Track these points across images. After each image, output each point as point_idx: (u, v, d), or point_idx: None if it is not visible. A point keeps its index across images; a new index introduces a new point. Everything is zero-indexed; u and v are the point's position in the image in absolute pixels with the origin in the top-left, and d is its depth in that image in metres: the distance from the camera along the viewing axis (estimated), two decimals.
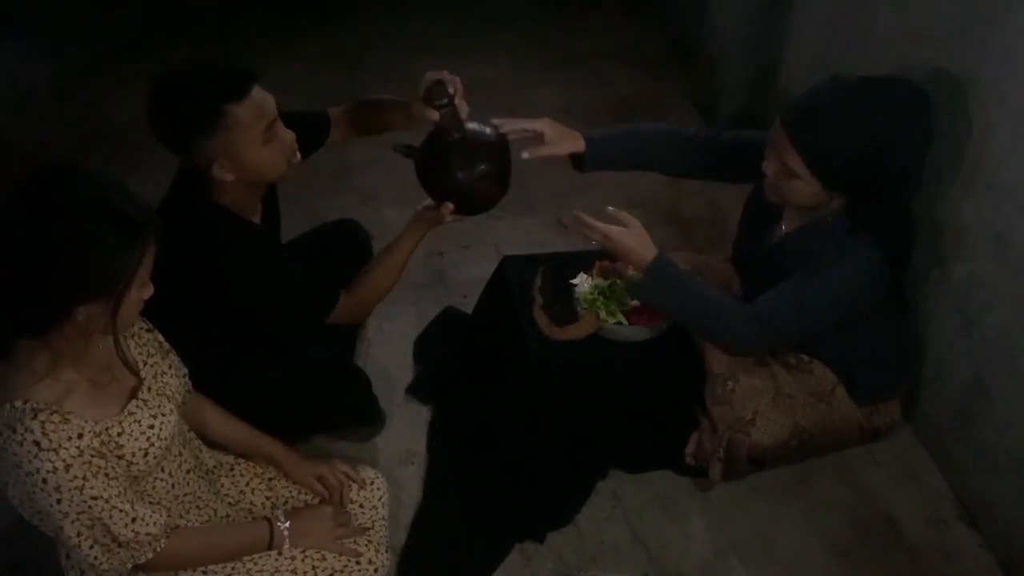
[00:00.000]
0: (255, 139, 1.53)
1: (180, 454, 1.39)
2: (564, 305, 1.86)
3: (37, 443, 1.12)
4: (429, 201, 1.73)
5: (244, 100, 1.50)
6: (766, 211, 1.76)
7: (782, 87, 2.78)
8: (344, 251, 2.17)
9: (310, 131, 1.80)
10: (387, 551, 1.56)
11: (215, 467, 1.55)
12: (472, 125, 1.65)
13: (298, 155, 1.64)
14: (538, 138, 1.76)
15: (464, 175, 1.62)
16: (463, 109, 1.64)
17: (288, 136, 1.60)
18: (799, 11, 2.61)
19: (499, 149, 1.67)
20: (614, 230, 1.61)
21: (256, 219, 1.73)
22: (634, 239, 1.62)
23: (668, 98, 3.49)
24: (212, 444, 1.58)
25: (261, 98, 1.53)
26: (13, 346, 1.16)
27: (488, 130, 1.67)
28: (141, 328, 1.38)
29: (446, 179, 1.63)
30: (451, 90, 1.61)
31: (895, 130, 1.48)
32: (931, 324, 1.95)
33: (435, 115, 1.61)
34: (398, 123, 1.82)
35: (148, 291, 1.21)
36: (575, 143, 1.80)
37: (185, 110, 1.49)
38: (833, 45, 2.33)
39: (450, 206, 1.67)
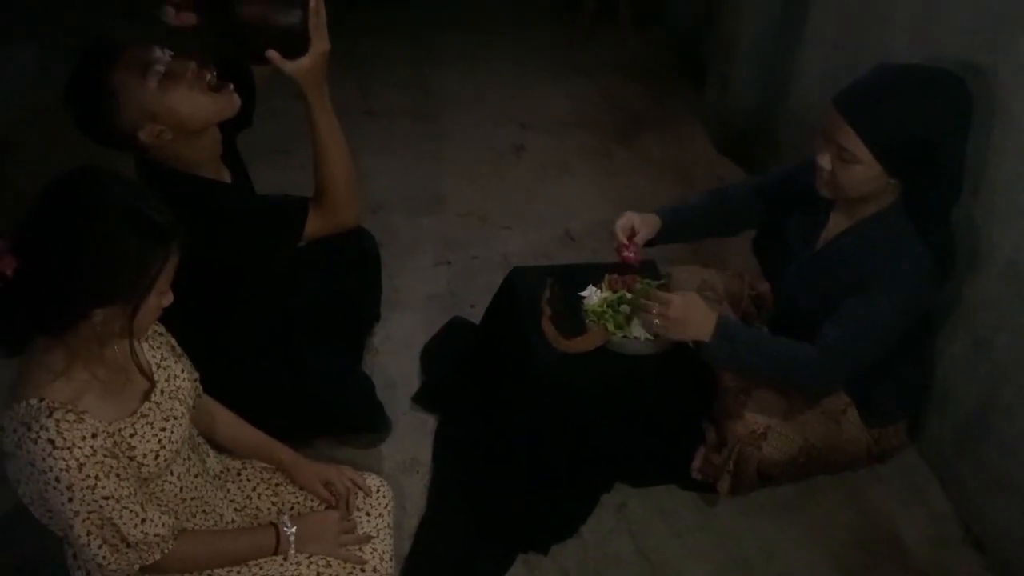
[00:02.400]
0: (152, 89, 1.46)
1: (189, 458, 1.40)
2: (572, 317, 1.86)
3: (51, 441, 1.12)
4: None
5: (118, 61, 1.45)
6: (809, 216, 1.76)
7: (792, 107, 2.79)
8: (351, 259, 2.18)
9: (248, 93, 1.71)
10: (391, 560, 1.56)
11: (222, 472, 1.55)
12: None
13: (219, 81, 1.54)
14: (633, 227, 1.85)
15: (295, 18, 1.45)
16: None
17: (191, 67, 1.50)
18: (810, 31, 2.63)
19: None
20: (673, 299, 1.64)
21: (224, 177, 1.69)
22: (689, 306, 1.64)
23: (677, 114, 3.50)
24: (220, 448, 1.58)
25: (134, 55, 1.47)
26: (30, 343, 1.17)
27: None
28: (154, 331, 1.39)
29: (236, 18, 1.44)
30: None
31: (947, 110, 1.50)
32: (939, 345, 1.95)
33: None
34: None
35: (168, 299, 1.23)
36: (656, 223, 1.87)
37: (79, 87, 1.46)
38: (844, 64, 2.34)
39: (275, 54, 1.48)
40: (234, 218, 1.62)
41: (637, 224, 1.83)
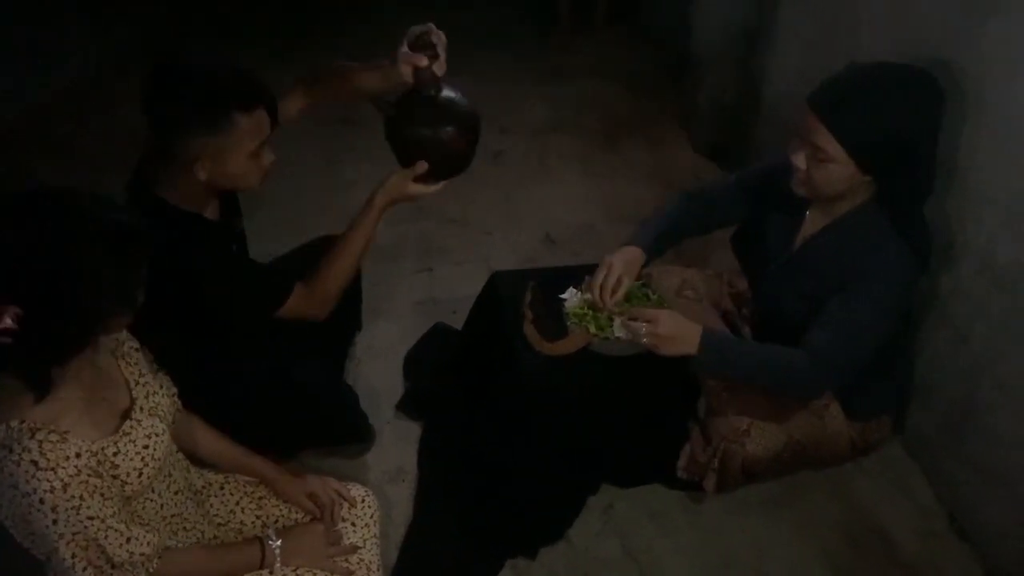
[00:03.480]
0: (246, 152, 1.52)
1: (170, 475, 1.38)
2: (554, 320, 1.86)
3: (35, 463, 1.11)
4: (397, 170, 1.66)
5: (251, 112, 1.49)
6: (787, 215, 1.77)
7: (767, 104, 2.81)
8: None
9: None
10: (379, 569, 1.55)
11: (203, 487, 1.54)
12: (448, 89, 1.65)
13: (268, 174, 1.62)
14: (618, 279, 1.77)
15: (432, 131, 1.60)
16: (442, 69, 1.63)
17: (270, 158, 1.60)
18: (784, 32, 2.65)
19: (471, 115, 1.67)
20: (660, 315, 1.63)
21: (209, 213, 1.68)
22: (674, 323, 1.64)
23: (657, 116, 3.52)
24: (202, 464, 1.56)
25: (264, 115, 1.53)
26: (53, 379, 1.16)
27: (462, 95, 1.67)
28: (130, 347, 1.37)
29: (414, 133, 1.61)
30: (435, 40, 1.60)
31: (919, 108, 1.51)
32: (920, 337, 1.97)
33: (418, 63, 1.58)
34: (372, 84, 1.72)
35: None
36: (639, 259, 1.81)
37: (192, 99, 1.46)
38: (818, 63, 2.34)
39: (423, 165, 1.62)
40: (217, 267, 1.62)
41: (623, 275, 1.76)
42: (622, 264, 1.77)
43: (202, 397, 1.56)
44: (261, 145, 1.55)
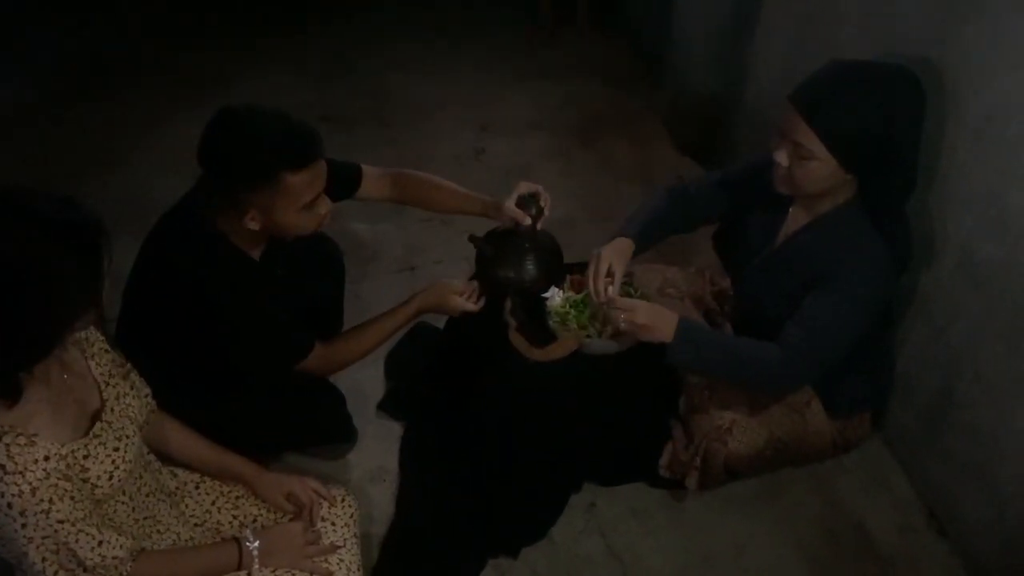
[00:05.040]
0: (297, 206, 1.52)
1: (140, 476, 1.37)
2: (537, 324, 1.85)
3: (2, 466, 1.09)
4: (447, 283, 1.83)
5: (302, 170, 1.49)
6: (769, 212, 1.77)
7: (749, 102, 2.81)
8: (315, 264, 2.15)
9: (337, 184, 1.76)
10: (359, 570, 1.54)
11: (177, 489, 1.52)
12: (542, 235, 1.86)
13: (327, 220, 1.64)
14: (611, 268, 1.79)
15: (517, 275, 1.83)
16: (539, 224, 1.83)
17: (325, 207, 1.60)
18: (765, 27, 2.65)
19: (559, 258, 1.91)
20: (637, 305, 1.66)
21: (255, 253, 1.69)
22: (653, 311, 1.66)
23: (637, 113, 3.51)
24: (176, 465, 1.54)
25: (318, 172, 1.53)
26: (22, 386, 1.14)
27: (550, 238, 1.91)
28: (100, 348, 1.35)
29: (504, 275, 1.83)
30: (543, 203, 1.81)
31: (901, 107, 1.52)
32: (899, 333, 1.98)
33: (521, 221, 1.79)
34: (468, 211, 1.93)
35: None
36: (629, 248, 1.84)
37: (241, 159, 1.47)
38: (799, 60, 2.36)
39: (474, 288, 1.82)
40: (245, 315, 1.63)
41: (614, 264, 1.77)
42: (612, 253, 1.78)
43: (183, 396, 1.54)
44: (315, 199, 1.55)
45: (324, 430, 2.07)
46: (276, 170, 1.47)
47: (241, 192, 1.49)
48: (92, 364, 1.31)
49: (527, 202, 1.80)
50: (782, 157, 1.59)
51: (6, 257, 1.05)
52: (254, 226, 1.54)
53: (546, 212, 1.81)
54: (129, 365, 1.41)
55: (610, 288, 1.73)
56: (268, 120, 1.50)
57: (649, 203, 1.94)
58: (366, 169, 1.93)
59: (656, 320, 1.65)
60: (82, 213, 1.12)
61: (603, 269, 1.75)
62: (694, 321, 1.70)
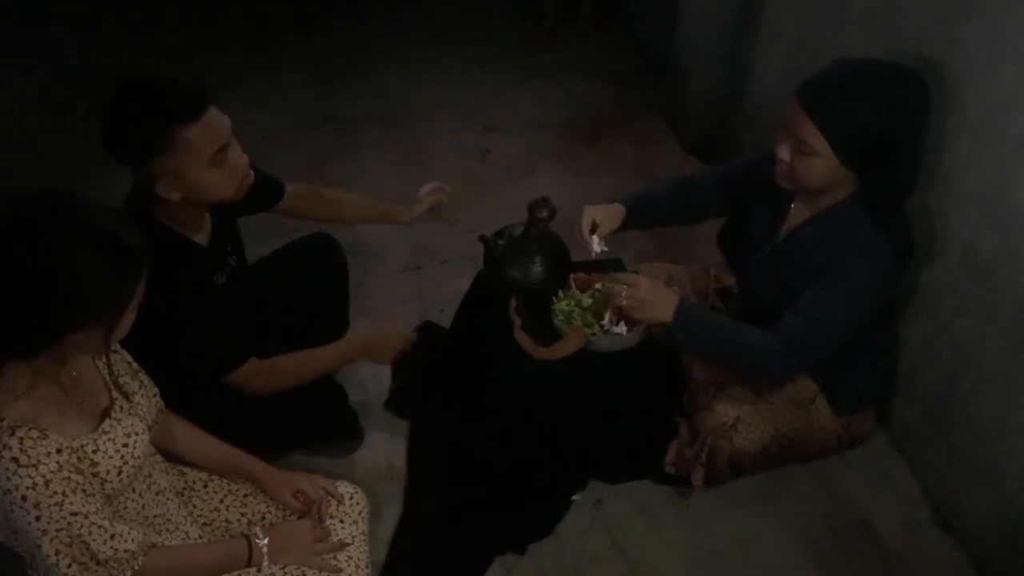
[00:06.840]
0: (204, 162, 1.50)
1: (149, 475, 1.38)
2: (542, 323, 1.86)
3: (15, 459, 1.10)
4: (377, 330, 1.96)
5: (195, 122, 1.47)
6: (772, 207, 1.78)
7: (753, 102, 2.82)
8: (318, 265, 2.17)
9: (260, 192, 1.78)
10: (367, 567, 1.55)
11: (185, 488, 1.53)
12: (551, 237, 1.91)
13: (251, 176, 1.61)
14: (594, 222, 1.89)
15: (523, 275, 1.87)
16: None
17: (241, 160, 1.57)
18: (768, 27, 2.66)
19: (567, 260, 1.94)
20: (640, 280, 1.69)
21: (200, 237, 1.68)
22: (654, 289, 1.68)
23: (641, 114, 3.52)
24: (185, 464, 1.56)
25: (214, 120, 1.50)
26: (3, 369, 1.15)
27: (558, 244, 1.94)
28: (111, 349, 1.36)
29: (511, 275, 1.87)
30: (554, 205, 1.85)
31: (905, 104, 1.52)
32: (903, 331, 1.98)
33: (538, 215, 1.85)
34: (375, 219, 2.13)
35: (135, 314, 1.21)
36: (619, 212, 1.92)
37: (134, 129, 1.45)
38: (801, 60, 2.37)
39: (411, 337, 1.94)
40: (181, 308, 1.59)
41: (599, 218, 1.86)
42: (601, 210, 1.88)
43: (189, 397, 1.55)
44: (221, 150, 1.52)
45: (328, 427, 2.07)
46: (168, 127, 1.45)
47: (148, 163, 1.47)
48: (100, 364, 1.32)
49: (538, 204, 1.84)
50: (784, 152, 1.60)
51: (36, 247, 1.08)
52: (175, 196, 1.51)
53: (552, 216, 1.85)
54: (137, 365, 1.43)
55: (594, 238, 1.82)
56: (151, 85, 1.48)
57: (652, 185, 2.01)
58: (289, 187, 1.98)
59: (657, 298, 1.67)
60: (129, 233, 1.14)
61: (588, 221, 1.85)
62: (693, 302, 1.71)
